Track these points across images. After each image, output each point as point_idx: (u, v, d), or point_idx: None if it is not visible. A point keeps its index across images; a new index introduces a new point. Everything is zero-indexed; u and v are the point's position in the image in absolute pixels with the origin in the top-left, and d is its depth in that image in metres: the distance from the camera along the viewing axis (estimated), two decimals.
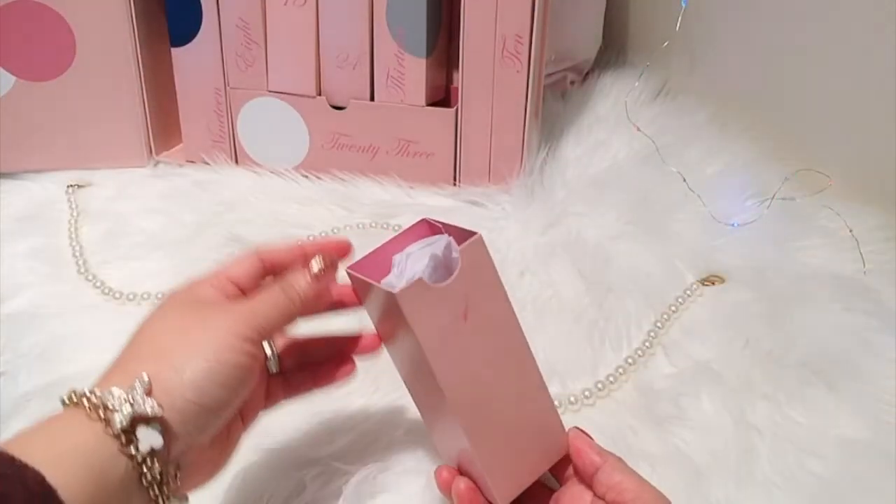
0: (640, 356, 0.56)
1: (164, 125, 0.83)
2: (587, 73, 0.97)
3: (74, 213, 0.73)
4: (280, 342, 0.42)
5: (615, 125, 0.84)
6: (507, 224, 0.71)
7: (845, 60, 0.71)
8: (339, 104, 0.77)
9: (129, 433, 0.30)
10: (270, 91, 0.78)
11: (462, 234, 0.40)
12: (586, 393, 0.53)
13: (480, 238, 0.39)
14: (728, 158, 0.78)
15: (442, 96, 0.80)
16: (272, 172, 0.80)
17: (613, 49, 1.00)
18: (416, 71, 0.74)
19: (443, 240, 0.40)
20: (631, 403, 0.52)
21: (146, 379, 0.31)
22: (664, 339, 0.58)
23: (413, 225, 0.42)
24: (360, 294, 0.42)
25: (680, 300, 0.61)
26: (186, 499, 0.34)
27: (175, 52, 0.79)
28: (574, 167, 0.78)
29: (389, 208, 0.74)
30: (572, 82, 0.95)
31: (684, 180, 0.73)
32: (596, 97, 0.90)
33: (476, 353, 0.39)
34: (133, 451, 0.30)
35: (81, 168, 0.80)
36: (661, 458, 0.47)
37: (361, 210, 0.73)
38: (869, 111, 0.69)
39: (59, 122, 0.78)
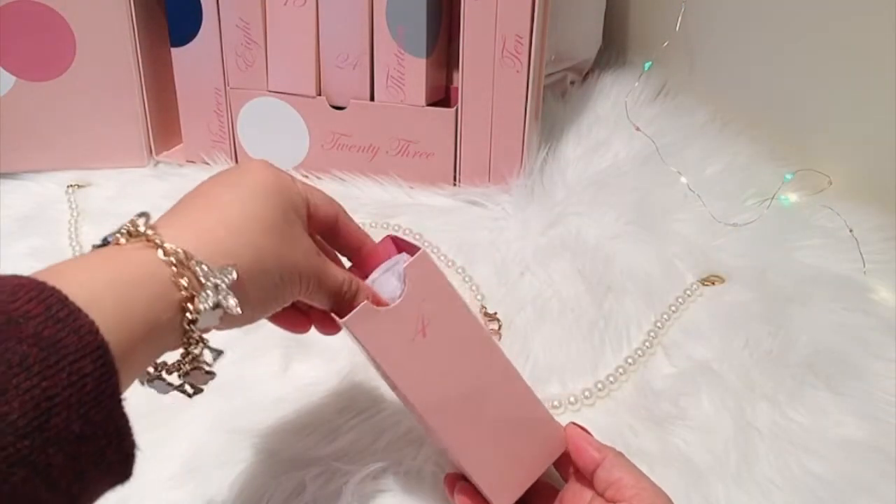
0: (640, 356, 0.56)
1: (164, 125, 0.83)
2: (587, 73, 0.97)
3: (74, 213, 0.73)
4: None
5: (615, 125, 0.84)
6: (507, 224, 0.71)
7: (845, 60, 0.71)
8: (339, 104, 0.77)
9: (197, 314, 0.30)
10: (270, 91, 0.78)
11: (410, 247, 0.40)
12: (586, 393, 0.53)
13: (424, 254, 0.39)
14: (728, 158, 0.78)
15: (442, 96, 0.80)
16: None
17: (613, 49, 1.00)
18: (416, 71, 0.74)
19: (401, 259, 0.40)
20: (631, 403, 0.52)
21: (235, 274, 0.31)
22: (664, 339, 0.58)
23: (380, 242, 0.42)
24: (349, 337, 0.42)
25: (680, 300, 0.61)
26: (213, 374, 0.33)
27: (175, 52, 0.79)
28: (574, 167, 0.78)
29: (389, 208, 0.74)
30: (572, 82, 0.95)
31: (684, 180, 0.73)
32: (596, 97, 0.90)
33: (444, 366, 0.39)
34: (192, 328, 0.30)
35: (81, 168, 0.80)
36: (661, 458, 0.47)
37: (361, 210, 0.73)
38: (869, 111, 0.69)
39: (59, 122, 0.78)
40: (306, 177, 0.79)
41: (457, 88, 0.74)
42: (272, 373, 0.53)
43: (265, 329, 0.56)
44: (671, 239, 0.67)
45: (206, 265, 0.30)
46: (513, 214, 0.72)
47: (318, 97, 0.77)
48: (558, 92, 0.93)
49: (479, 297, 0.62)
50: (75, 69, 0.77)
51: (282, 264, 0.34)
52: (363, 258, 0.42)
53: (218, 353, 0.33)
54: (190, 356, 0.32)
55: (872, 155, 0.70)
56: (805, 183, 0.72)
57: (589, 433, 0.42)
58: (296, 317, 0.41)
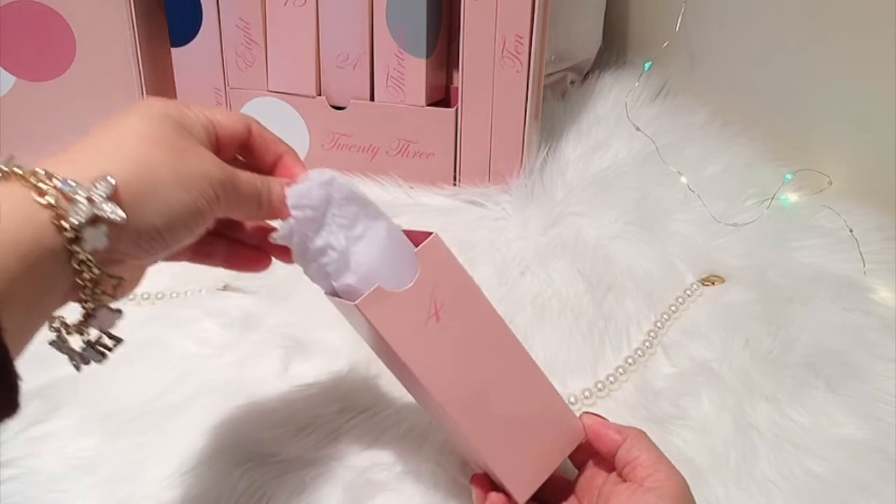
0: (640, 356, 0.56)
1: None
2: (587, 73, 0.97)
3: None
4: None
5: (615, 125, 0.84)
6: (507, 224, 0.71)
7: (845, 60, 0.71)
8: (339, 104, 0.77)
9: (77, 232, 0.28)
10: (270, 91, 0.78)
11: (422, 237, 0.40)
12: (586, 393, 0.53)
13: (437, 237, 0.39)
14: (728, 158, 0.78)
15: (442, 96, 0.80)
16: None
17: (613, 49, 1.00)
18: (416, 71, 0.74)
19: (326, 173, 0.39)
20: (631, 403, 0.52)
21: (111, 183, 0.29)
22: (664, 339, 0.58)
23: None
24: (345, 315, 0.41)
25: (680, 300, 0.61)
26: (120, 312, 0.32)
27: (175, 52, 0.79)
28: (574, 167, 0.78)
29: (389, 208, 0.73)
30: (572, 82, 0.95)
31: (684, 180, 0.73)
32: (596, 97, 0.90)
33: (459, 351, 0.39)
34: (76, 249, 0.28)
35: None
36: None
37: None
38: (869, 111, 0.69)
39: (59, 122, 0.78)
40: None
41: (457, 88, 0.74)
42: (272, 373, 0.53)
43: (265, 329, 0.57)
44: (671, 239, 0.67)
45: (73, 180, 0.29)
46: (513, 214, 0.72)
47: (318, 97, 0.77)
48: (558, 92, 0.93)
49: None
50: (75, 69, 0.77)
51: (180, 177, 0.32)
52: (286, 169, 0.39)
53: (118, 313, 0.32)
54: (89, 309, 0.31)
55: (872, 155, 0.70)
56: (805, 183, 0.72)
57: (605, 419, 0.42)
58: (250, 253, 0.41)
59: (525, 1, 0.68)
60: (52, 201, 0.28)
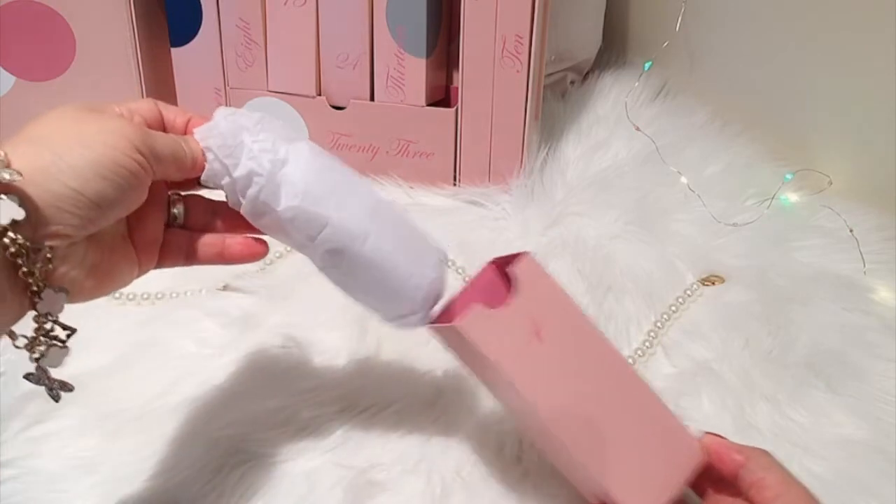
0: (640, 356, 0.56)
1: None
2: (587, 73, 0.97)
3: None
4: (191, 200, 0.42)
5: (615, 125, 0.84)
6: (507, 224, 0.71)
7: (845, 60, 0.71)
8: (339, 104, 0.77)
9: None
10: (270, 91, 0.78)
11: (515, 259, 0.39)
12: None
13: (531, 257, 0.38)
14: (728, 158, 0.78)
15: (442, 96, 0.80)
16: None
17: (613, 49, 1.00)
18: (416, 71, 0.74)
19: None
20: None
21: (3, 154, 0.30)
22: (664, 339, 0.58)
23: (482, 270, 0.41)
24: (448, 345, 0.41)
25: (680, 300, 0.61)
26: (65, 291, 0.33)
27: (175, 52, 0.79)
28: (574, 167, 0.78)
29: None
30: (572, 82, 0.95)
31: (684, 180, 0.73)
32: (596, 97, 0.90)
33: (564, 371, 0.37)
34: None
35: None
36: None
37: None
38: (869, 111, 0.69)
39: None
40: None
41: (457, 88, 0.74)
42: (272, 373, 0.53)
43: (265, 329, 0.57)
44: (671, 239, 0.67)
45: None
46: (513, 214, 0.72)
47: (318, 97, 0.77)
48: (558, 92, 0.93)
49: None
50: (75, 69, 0.77)
51: (84, 138, 0.32)
52: (196, 125, 0.40)
53: (64, 293, 0.32)
54: (37, 310, 0.31)
55: (872, 155, 0.70)
56: (805, 183, 0.72)
57: (725, 439, 0.40)
58: (243, 242, 0.41)
59: (525, 1, 0.68)
60: None
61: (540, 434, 0.39)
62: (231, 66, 0.78)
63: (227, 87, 0.79)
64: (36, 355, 0.33)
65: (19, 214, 0.29)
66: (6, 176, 0.29)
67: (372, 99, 0.76)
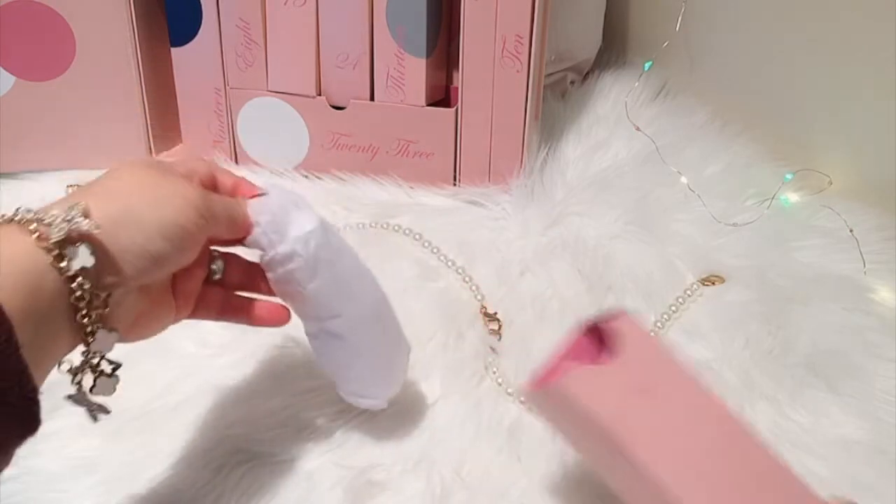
0: None
1: (164, 125, 0.83)
2: (587, 73, 0.97)
3: None
4: (230, 259, 0.45)
5: (615, 125, 0.84)
6: (507, 224, 0.71)
7: (845, 60, 0.71)
8: (339, 104, 0.77)
9: (61, 249, 0.31)
10: (270, 91, 0.78)
11: (613, 318, 0.38)
12: None
13: (628, 315, 0.38)
14: (728, 158, 0.78)
15: (442, 96, 0.80)
16: (272, 172, 0.80)
17: (613, 49, 1.00)
18: (416, 71, 0.74)
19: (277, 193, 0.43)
20: None
21: (84, 204, 0.33)
22: (664, 339, 0.58)
23: (573, 332, 0.40)
24: (543, 411, 0.41)
25: (680, 300, 0.61)
26: (116, 331, 0.35)
27: (175, 52, 0.79)
28: (574, 167, 0.78)
29: (389, 208, 0.74)
30: (572, 82, 0.95)
31: (684, 180, 0.73)
32: (596, 97, 0.90)
33: (675, 431, 0.35)
34: (64, 266, 0.31)
35: (81, 168, 0.80)
36: None
37: (361, 210, 0.73)
38: (869, 111, 0.69)
39: (59, 122, 0.78)
40: (306, 177, 0.79)
41: (457, 88, 0.74)
42: (272, 373, 0.53)
43: (265, 330, 0.57)
44: (671, 239, 0.67)
45: (53, 211, 0.32)
46: (513, 214, 0.72)
47: (318, 97, 0.77)
48: (558, 92, 0.93)
49: (479, 297, 0.62)
50: (75, 69, 0.77)
51: (155, 198, 0.35)
52: (245, 190, 0.43)
53: (115, 333, 0.34)
54: (88, 330, 0.33)
55: (872, 155, 0.70)
56: (805, 183, 0.72)
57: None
58: (271, 307, 0.44)
59: (525, 1, 0.68)
60: (34, 228, 0.31)
61: (651, 499, 0.36)
62: (231, 66, 0.78)
63: (227, 87, 0.79)
64: (78, 380, 0.35)
65: (89, 262, 0.32)
66: (85, 227, 0.32)
67: (372, 99, 0.76)
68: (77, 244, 0.32)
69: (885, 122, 0.67)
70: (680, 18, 0.82)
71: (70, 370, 0.35)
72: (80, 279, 0.31)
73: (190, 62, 0.79)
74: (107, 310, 0.34)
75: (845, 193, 0.70)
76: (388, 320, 0.46)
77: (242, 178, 0.44)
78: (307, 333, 0.45)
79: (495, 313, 0.60)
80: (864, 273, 0.63)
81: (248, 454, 0.47)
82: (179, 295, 0.41)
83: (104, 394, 0.37)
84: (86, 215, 0.32)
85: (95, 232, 0.32)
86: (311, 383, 0.52)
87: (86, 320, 0.33)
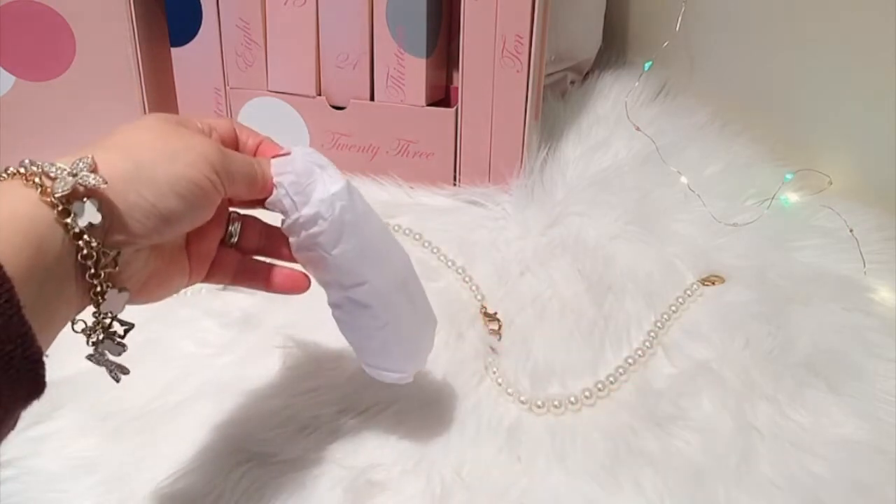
0: (640, 356, 0.56)
1: None
2: (587, 73, 0.97)
3: None
4: (248, 221, 0.43)
5: (615, 125, 0.84)
6: (507, 224, 0.71)
7: (845, 61, 0.71)
8: (339, 104, 0.77)
9: (67, 204, 0.30)
10: (270, 91, 0.78)
11: None
12: (586, 393, 0.53)
13: None
14: (728, 158, 0.78)
15: (442, 96, 0.80)
16: None
17: (613, 49, 1.00)
18: (416, 71, 0.74)
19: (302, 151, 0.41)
20: (631, 403, 0.52)
21: (91, 158, 0.31)
22: (664, 339, 0.58)
23: None
24: None
25: (680, 300, 0.61)
26: (126, 291, 0.34)
27: (175, 52, 0.79)
28: (574, 167, 0.78)
29: (389, 208, 0.74)
30: (572, 82, 0.95)
31: (684, 180, 0.73)
32: (596, 97, 0.90)
33: None
34: (70, 222, 0.30)
35: None
36: (662, 458, 0.47)
37: None
38: (869, 111, 0.69)
39: (59, 122, 0.78)
40: None
41: (457, 88, 0.74)
42: (272, 373, 0.53)
43: (265, 329, 0.57)
44: (671, 239, 0.67)
45: (58, 164, 0.31)
46: (513, 214, 0.72)
47: (318, 97, 0.77)
48: (558, 92, 0.93)
49: (479, 297, 0.62)
50: (75, 69, 0.77)
51: (169, 153, 0.34)
52: (268, 150, 0.42)
53: (125, 292, 0.33)
54: (97, 290, 0.32)
55: (872, 155, 0.70)
56: (805, 183, 0.72)
57: None
58: (290, 273, 0.43)
59: (525, 1, 0.68)
60: (38, 181, 0.30)
61: None
62: (231, 66, 0.78)
63: (227, 87, 0.79)
64: (93, 340, 0.34)
65: (97, 219, 0.30)
66: (92, 181, 0.31)
67: (372, 99, 0.76)
68: (84, 200, 0.30)
69: (885, 122, 0.67)
70: (680, 18, 0.82)
71: (84, 331, 0.34)
72: (86, 237, 0.30)
73: (190, 62, 0.79)
74: (116, 269, 0.32)
75: (845, 193, 0.70)
76: (415, 290, 0.44)
77: (266, 138, 0.42)
78: (330, 304, 0.43)
79: (495, 313, 0.60)
80: (864, 273, 0.63)
81: (248, 454, 0.47)
82: (194, 256, 0.39)
83: (113, 354, 0.35)
84: (93, 170, 0.31)
85: (103, 187, 0.31)
86: (312, 383, 0.52)
87: (95, 280, 0.31)
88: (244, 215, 0.43)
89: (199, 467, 0.46)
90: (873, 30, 0.67)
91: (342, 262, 0.40)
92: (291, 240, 0.41)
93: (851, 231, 0.65)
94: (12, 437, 0.47)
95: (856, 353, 0.55)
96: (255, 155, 0.41)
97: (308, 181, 0.39)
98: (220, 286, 0.61)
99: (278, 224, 0.42)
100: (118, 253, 0.32)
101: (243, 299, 0.60)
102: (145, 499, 0.44)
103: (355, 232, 0.40)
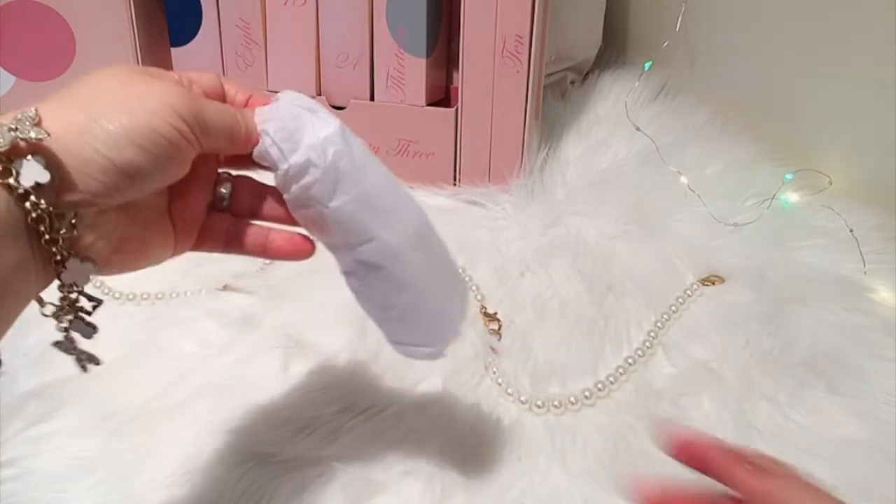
0: (640, 356, 0.56)
1: None
2: (587, 73, 0.97)
3: None
4: (240, 182, 0.39)
5: (615, 125, 0.84)
6: (507, 224, 0.71)
7: (846, 61, 0.71)
8: (339, 104, 0.77)
9: (7, 163, 0.27)
10: (270, 91, 0.78)
11: None
12: (586, 393, 0.53)
13: None
14: (728, 158, 0.78)
15: (442, 96, 0.80)
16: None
17: (613, 49, 1.00)
18: (416, 71, 0.74)
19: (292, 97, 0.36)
20: (631, 403, 0.52)
21: (34, 111, 0.29)
22: (664, 339, 0.58)
23: None
24: None
25: (680, 300, 0.61)
26: (91, 261, 0.31)
27: (175, 52, 0.79)
28: (574, 167, 0.78)
29: None
30: (572, 82, 0.95)
31: (684, 180, 0.73)
32: (596, 97, 0.90)
33: None
34: (13, 183, 0.27)
35: None
36: (661, 458, 0.47)
37: None
38: (869, 111, 0.69)
39: None
40: None
41: (457, 88, 0.74)
42: (272, 373, 0.53)
43: (265, 329, 0.57)
44: (671, 239, 0.67)
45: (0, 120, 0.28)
46: (513, 214, 0.72)
47: (318, 97, 0.77)
48: (558, 92, 0.93)
49: (479, 297, 0.62)
50: (75, 69, 0.77)
51: (127, 103, 0.30)
52: (257, 103, 0.38)
53: (90, 263, 0.30)
54: (57, 259, 0.29)
55: (872, 155, 0.70)
56: (805, 183, 0.72)
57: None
58: (289, 237, 0.38)
59: (525, 1, 0.68)
60: None
61: None
62: (231, 66, 0.78)
63: None
64: (63, 324, 0.32)
65: (44, 178, 0.27)
66: (33, 135, 0.28)
67: (372, 99, 0.76)
68: (28, 157, 0.27)
69: (885, 122, 0.67)
70: (680, 18, 0.82)
71: (53, 314, 0.31)
72: (33, 197, 0.27)
73: (190, 62, 0.79)
74: (75, 233, 0.29)
75: (845, 193, 0.70)
76: (436, 248, 0.39)
77: (258, 92, 0.38)
78: (343, 273, 0.38)
79: (495, 313, 0.60)
80: (864, 273, 0.63)
81: (247, 454, 0.47)
82: (178, 223, 0.36)
83: (83, 336, 0.33)
84: (37, 123, 0.28)
85: (46, 140, 0.28)
86: (312, 383, 0.52)
87: (53, 248, 0.29)
88: (237, 176, 0.39)
89: (199, 467, 0.46)
90: (873, 30, 0.67)
91: (343, 215, 0.36)
92: (285, 196, 0.36)
93: (851, 231, 0.65)
94: (12, 437, 0.48)
95: (856, 353, 0.55)
96: (245, 106, 0.37)
97: (296, 126, 0.35)
98: (220, 287, 0.61)
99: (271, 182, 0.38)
100: (75, 215, 0.29)
101: (243, 299, 0.60)
102: (145, 499, 0.44)
103: (354, 181, 0.35)
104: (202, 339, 0.56)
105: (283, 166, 0.35)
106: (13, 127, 0.28)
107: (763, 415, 0.50)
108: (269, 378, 0.53)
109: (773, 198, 0.70)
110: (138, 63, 0.78)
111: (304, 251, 0.38)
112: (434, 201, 0.76)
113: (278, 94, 0.37)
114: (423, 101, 0.75)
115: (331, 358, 0.54)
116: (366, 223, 0.36)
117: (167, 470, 0.46)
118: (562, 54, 0.91)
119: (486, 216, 0.73)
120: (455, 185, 0.77)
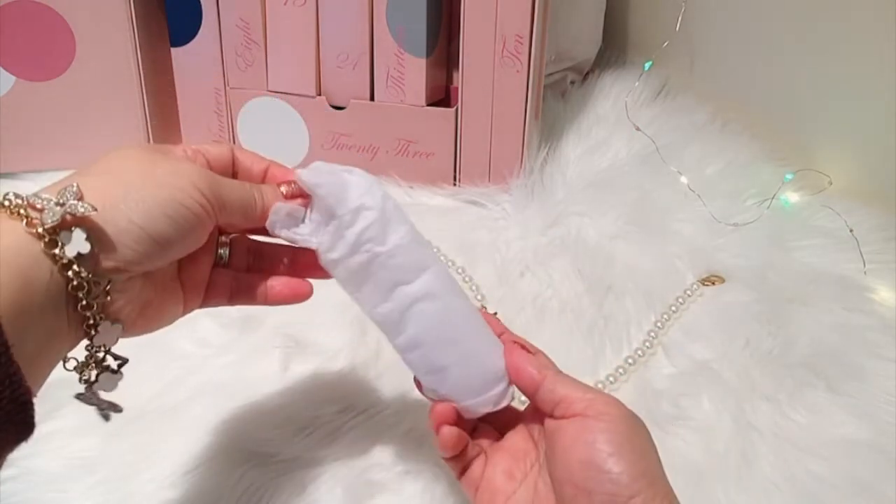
0: (640, 356, 0.56)
1: (164, 125, 0.83)
2: (587, 73, 0.97)
3: None
4: (234, 239, 0.41)
5: (615, 125, 0.84)
6: (507, 224, 0.71)
7: (845, 61, 0.71)
8: (339, 104, 0.77)
9: (54, 235, 0.29)
10: (270, 91, 0.78)
11: None
12: None
13: None
14: (728, 158, 0.78)
15: (442, 96, 0.80)
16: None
17: (613, 49, 1.00)
18: (416, 71, 0.74)
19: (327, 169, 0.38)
20: (631, 403, 0.52)
21: (76, 186, 0.31)
22: (664, 339, 0.58)
23: None
24: None
25: (680, 300, 0.61)
26: (120, 323, 0.33)
27: (175, 52, 0.79)
28: (574, 167, 0.78)
29: None
30: (572, 82, 0.95)
31: (684, 180, 0.73)
32: (596, 97, 0.90)
33: None
34: (58, 253, 0.29)
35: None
36: (661, 458, 0.47)
37: None
38: (869, 111, 0.69)
39: (59, 122, 0.78)
40: None
41: (457, 88, 0.74)
42: (272, 373, 0.53)
43: (265, 329, 0.57)
44: (671, 239, 0.67)
45: (43, 195, 0.30)
46: (513, 214, 0.72)
47: (318, 97, 0.77)
48: (558, 92, 0.93)
49: (479, 297, 0.62)
50: (75, 69, 0.77)
51: (154, 178, 0.33)
52: (277, 175, 0.40)
53: (119, 325, 0.32)
54: (90, 322, 0.31)
55: (872, 155, 0.70)
56: (805, 183, 0.72)
57: (530, 351, 0.39)
58: (287, 282, 0.40)
59: (525, 1, 0.68)
60: (23, 213, 0.30)
61: None
62: (231, 66, 0.78)
63: (227, 87, 0.79)
64: (86, 377, 0.34)
65: (85, 248, 0.30)
66: (81, 210, 0.30)
67: (372, 99, 0.76)
68: (71, 229, 0.29)
69: (885, 122, 0.67)
70: (680, 18, 0.82)
71: (76, 368, 0.33)
72: (76, 267, 0.29)
73: (190, 62, 0.79)
74: (108, 299, 0.32)
75: (845, 193, 0.70)
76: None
77: (273, 162, 0.40)
78: (380, 321, 0.38)
79: (495, 313, 0.60)
80: (864, 273, 0.63)
81: (247, 454, 0.47)
82: (187, 285, 0.38)
83: (106, 390, 0.35)
84: (79, 198, 0.30)
85: (92, 214, 0.30)
86: (311, 383, 0.52)
87: (87, 312, 0.31)
88: (232, 236, 0.42)
89: (199, 467, 0.46)
90: (873, 30, 0.67)
91: (399, 252, 0.37)
92: (331, 256, 0.37)
93: (851, 231, 0.65)
94: None
95: (856, 353, 0.55)
96: (263, 180, 0.40)
97: (338, 179, 0.37)
98: None
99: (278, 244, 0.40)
100: (109, 282, 0.32)
101: None
102: (145, 499, 0.44)
103: (401, 218, 0.37)
104: (202, 339, 0.56)
105: (341, 212, 0.36)
106: (60, 202, 0.30)
107: (763, 415, 0.50)
108: (269, 378, 0.53)
109: (773, 198, 0.70)
110: (138, 63, 0.78)
111: (302, 294, 0.41)
112: (434, 201, 0.76)
113: (309, 165, 0.38)
114: (423, 101, 0.75)
115: (331, 358, 0.54)
116: (421, 254, 0.38)
117: (167, 470, 0.46)
118: (562, 54, 0.91)
119: (486, 216, 0.73)
120: (455, 185, 0.77)
